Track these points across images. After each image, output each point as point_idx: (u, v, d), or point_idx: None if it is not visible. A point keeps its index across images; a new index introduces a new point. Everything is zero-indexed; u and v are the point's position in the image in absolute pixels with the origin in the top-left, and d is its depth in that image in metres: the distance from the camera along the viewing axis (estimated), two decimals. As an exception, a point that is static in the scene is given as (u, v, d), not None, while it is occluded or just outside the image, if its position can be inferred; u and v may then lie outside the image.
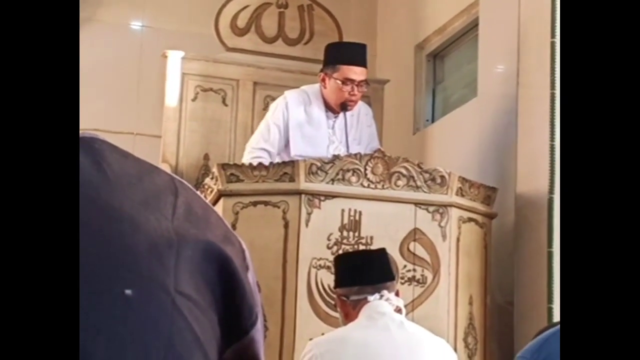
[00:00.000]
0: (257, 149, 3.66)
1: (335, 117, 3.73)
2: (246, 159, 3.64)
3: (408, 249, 3.20)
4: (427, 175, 3.24)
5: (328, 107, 3.72)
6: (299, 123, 3.70)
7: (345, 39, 4.37)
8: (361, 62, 3.67)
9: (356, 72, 3.64)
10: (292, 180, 3.15)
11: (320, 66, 3.77)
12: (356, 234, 3.17)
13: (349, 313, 2.51)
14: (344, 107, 3.66)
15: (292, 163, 3.20)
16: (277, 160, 3.68)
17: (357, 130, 3.78)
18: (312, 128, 3.71)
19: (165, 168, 3.97)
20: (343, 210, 3.18)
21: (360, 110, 3.79)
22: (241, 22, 4.40)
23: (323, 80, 3.69)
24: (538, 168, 3.47)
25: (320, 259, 3.11)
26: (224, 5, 4.40)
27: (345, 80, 3.63)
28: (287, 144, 3.69)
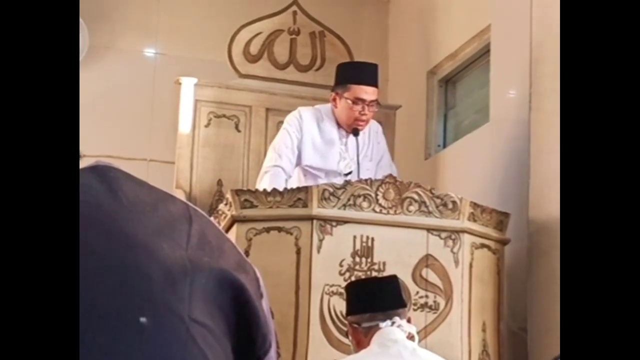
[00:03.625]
0: (271, 166, 3.68)
1: (348, 135, 3.75)
2: (259, 180, 3.65)
3: (420, 275, 3.19)
4: (438, 201, 3.24)
5: (340, 125, 3.75)
6: (312, 136, 3.73)
7: (357, 65, 4.39)
8: (372, 81, 3.69)
9: (367, 92, 3.66)
10: (305, 205, 3.15)
11: (330, 91, 3.79)
12: (368, 260, 3.17)
13: (361, 340, 2.49)
14: (355, 128, 3.67)
15: (306, 189, 3.21)
16: (294, 173, 3.70)
17: (369, 148, 3.80)
18: (324, 143, 3.73)
19: (179, 194, 3.98)
20: (355, 237, 3.17)
21: (371, 128, 3.81)
22: (254, 49, 4.43)
23: (334, 99, 3.71)
24: (551, 193, 3.46)
25: (333, 285, 3.11)
26: (236, 33, 4.44)
27: (356, 100, 3.65)
28: (299, 154, 3.72)
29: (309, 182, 3.55)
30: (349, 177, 3.61)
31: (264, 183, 3.57)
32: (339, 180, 3.56)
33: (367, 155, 3.78)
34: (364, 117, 3.66)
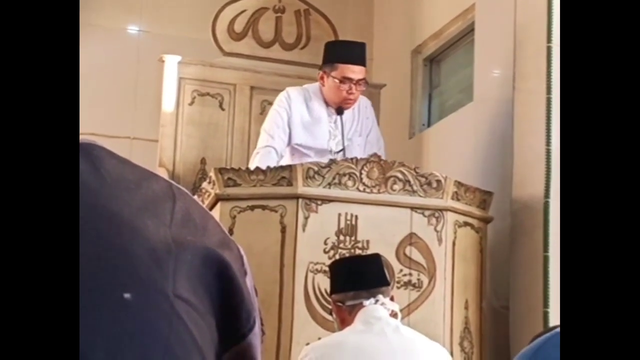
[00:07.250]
0: (262, 147, 3.69)
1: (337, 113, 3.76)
2: (251, 162, 3.66)
3: (404, 253, 3.21)
4: (422, 180, 3.25)
5: (328, 104, 3.76)
6: (300, 114, 3.74)
7: (342, 44, 4.38)
8: (360, 61, 3.70)
9: (354, 71, 3.67)
10: (289, 184, 3.16)
11: (317, 70, 3.79)
12: (352, 239, 3.18)
13: (345, 319, 2.51)
14: (341, 107, 3.69)
15: (290, 167, 3.21)
16: (286, 152, 3.71)
17: (359, 123, 3.82)
18: (313, 121, 3.75)
19: (162, 172, 3.98)
20: (340, 215, 3.19)
21: (360, 103, 3.83)
22: (238, 27, 4.41)
23: (322, 78, 3.72)
24: (534, 172, 3.49)
25: (317, 263, 3.12)
26: (221, 10, 4.42)
27: (344, 79, 3.66)
28: (289, 134, 3.73)
29: (297, 161, 3.56)
30: (339, 155, 3.63)
31: (254, 164, 3.58)
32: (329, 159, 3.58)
33: (357, 130, 3.80)
34: (351, 96, 3.68)
